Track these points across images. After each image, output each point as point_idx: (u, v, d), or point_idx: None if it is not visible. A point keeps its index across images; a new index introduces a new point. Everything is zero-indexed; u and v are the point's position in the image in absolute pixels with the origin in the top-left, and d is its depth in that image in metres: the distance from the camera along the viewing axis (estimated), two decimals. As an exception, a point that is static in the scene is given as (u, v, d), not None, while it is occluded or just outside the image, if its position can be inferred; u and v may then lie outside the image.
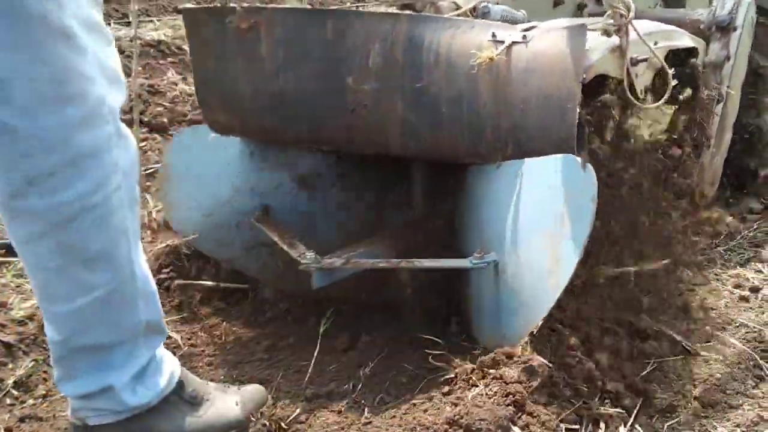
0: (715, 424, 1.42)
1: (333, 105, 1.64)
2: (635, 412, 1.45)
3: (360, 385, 1.58)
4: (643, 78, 1.70)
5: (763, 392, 1.52)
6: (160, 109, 3.18)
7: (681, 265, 1.89)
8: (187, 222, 1.97)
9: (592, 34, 1.51)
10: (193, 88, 1.97)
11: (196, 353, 1.76)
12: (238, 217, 1.94)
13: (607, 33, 1.55)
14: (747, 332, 1.76)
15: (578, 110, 1.43)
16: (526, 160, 1.46)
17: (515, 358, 1.41)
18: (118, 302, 1.24)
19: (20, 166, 1.09)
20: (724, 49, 2.09)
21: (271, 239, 1.84)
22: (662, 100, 1.67)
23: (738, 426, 1.40)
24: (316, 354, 1.71)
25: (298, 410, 1.48)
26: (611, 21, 1.55)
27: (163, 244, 2.00)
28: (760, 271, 2.09)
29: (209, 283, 1.97)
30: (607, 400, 1.44)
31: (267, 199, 1.92)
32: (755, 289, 1.99)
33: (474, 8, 1.92)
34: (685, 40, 1.95)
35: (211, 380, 1.54)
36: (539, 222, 1.42)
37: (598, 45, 1.53)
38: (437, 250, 1.76)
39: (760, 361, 1.62)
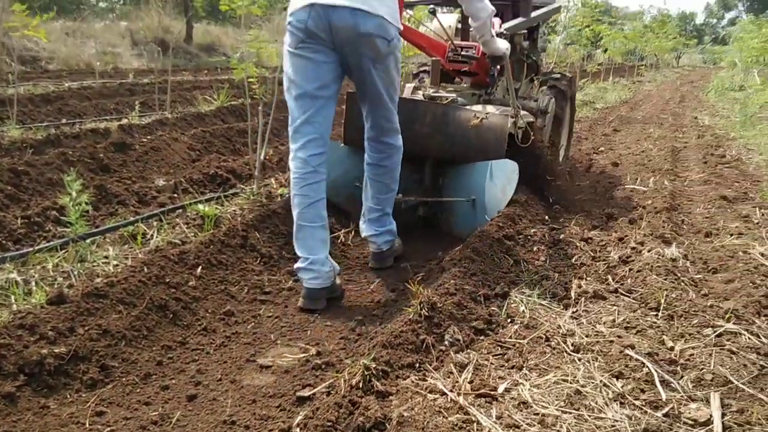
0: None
1: (411, 136, 4.06)
2: None
3: None
4: (519, 135, 4.36)
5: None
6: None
7: None
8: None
9: (508, 117, 4.11)
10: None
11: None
12: (346, 182, 4.27)
13: (512, 117, 4.18)
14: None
15: (505, 145, 4.02)
16: (491, 161, 3.98)
17: None
18: (391, 200, 3.63)
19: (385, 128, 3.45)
20: (543, 121, 4.86)
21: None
22: (528, 143, 4.31)
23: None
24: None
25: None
26: (513, 112, 4.19)
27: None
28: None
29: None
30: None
31: (360, 174, 4.27)
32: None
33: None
34: (530, 118, 4.65)
35: None
36: (498, 181, 3.91)
37: (509, 120, 4.13)
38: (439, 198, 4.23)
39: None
